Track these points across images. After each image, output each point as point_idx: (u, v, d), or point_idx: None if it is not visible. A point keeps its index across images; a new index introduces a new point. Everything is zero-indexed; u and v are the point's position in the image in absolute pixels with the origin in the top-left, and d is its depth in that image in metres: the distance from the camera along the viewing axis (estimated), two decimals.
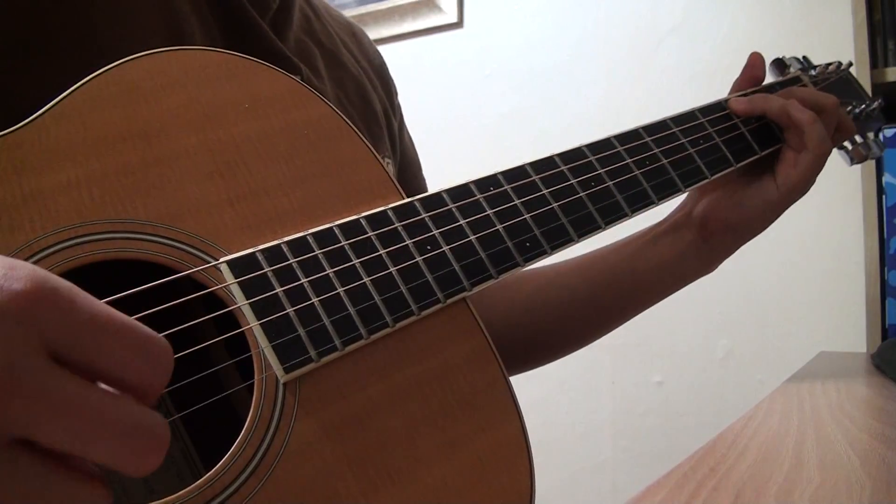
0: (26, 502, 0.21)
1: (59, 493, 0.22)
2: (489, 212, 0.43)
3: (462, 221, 0.42)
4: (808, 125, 0.56)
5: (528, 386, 1.49)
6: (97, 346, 0.22)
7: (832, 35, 1.26)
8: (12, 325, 0.21)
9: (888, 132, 1.03)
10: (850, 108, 0.66)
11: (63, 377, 0.22)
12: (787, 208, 0.59)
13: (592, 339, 0.66)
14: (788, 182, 0.57)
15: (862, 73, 1.07)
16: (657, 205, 0.50)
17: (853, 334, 1.18)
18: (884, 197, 1.05)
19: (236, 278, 0.35)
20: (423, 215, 0.41)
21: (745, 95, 0.61)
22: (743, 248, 1.47)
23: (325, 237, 0.37)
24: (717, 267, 0.62)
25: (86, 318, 0.22)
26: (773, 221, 0.60)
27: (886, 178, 1.04)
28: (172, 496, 0.30)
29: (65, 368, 0.22)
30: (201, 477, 0.31)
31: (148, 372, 0.23)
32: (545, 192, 0.46)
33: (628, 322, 1.49)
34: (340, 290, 0.36)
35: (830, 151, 0.59)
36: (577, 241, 0.45)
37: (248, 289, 0.34)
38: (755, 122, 0.60)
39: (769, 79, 0.66)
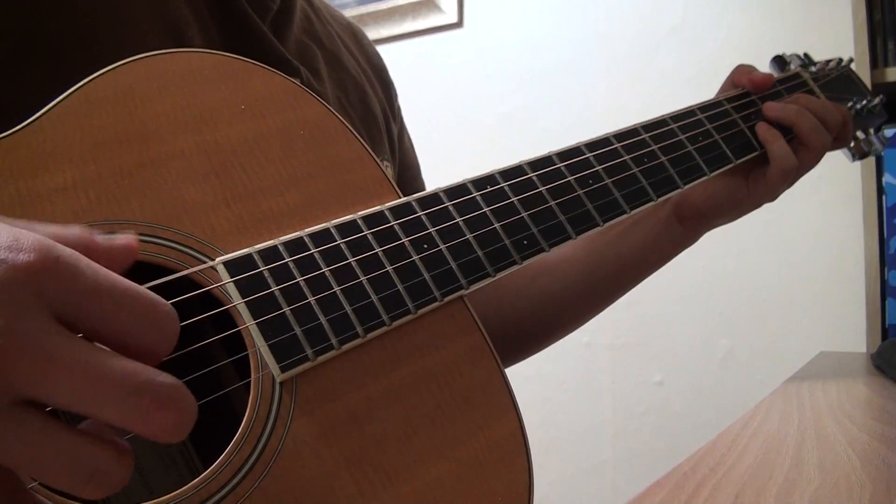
0: (35, 461, 0.22)
1: (66, 451, 0.22)
2: (486, 210, 0.43)
3: (459, 220, 0.42)
4: (769, 143, 0.58)
5: (528, 386, 1.49)
6: (101, 312, 0.23)
7: (832, 35, 1.26)
8: (18, 292, 0.22)
9: (888, 132, 1.02)
10: (850, 104, 0.66)
11: (68, 338, 0.22)
12: (755, 209, 0.62)
13: (583, 322, 0.68)
14: (756, 191, 0.60)
15: (862, 73, 1.07)
16: (656, 201, 0.50)
17: (853, 334, 1.18)
18: (884, 197, 1.05)
19: (232, 278, 0.35)
20: (420, 213, 0.41)
21: (739, 93, 0.61)
22: (743, 247, 1.47)
23: (321, 236, 0.38)
24: (695, 241, 0.64)
25: (90, 285, 0.23)
26: (742, 216, 0.62)
27: (886, 178, 1.04)
28: (168, 495, 0.30)
29: (70, 332, 0.23)
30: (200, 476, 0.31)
31: (152, 336, 0.24)
32: (542, 189, 0.45)
33: (628, 322, 1.49)
34: (337, 289, 0.36)
35: (802, 167, 0.60)
36: (575, 239, 0.45)
37: (244, 288, 0.35)
38: (754, 119, 0.60)
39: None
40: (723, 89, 0.64)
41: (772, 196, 0.60)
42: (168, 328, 0.24)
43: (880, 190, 1.06)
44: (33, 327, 0.22)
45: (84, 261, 0.23)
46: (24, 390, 0.22)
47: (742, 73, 0.62)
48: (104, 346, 0.24)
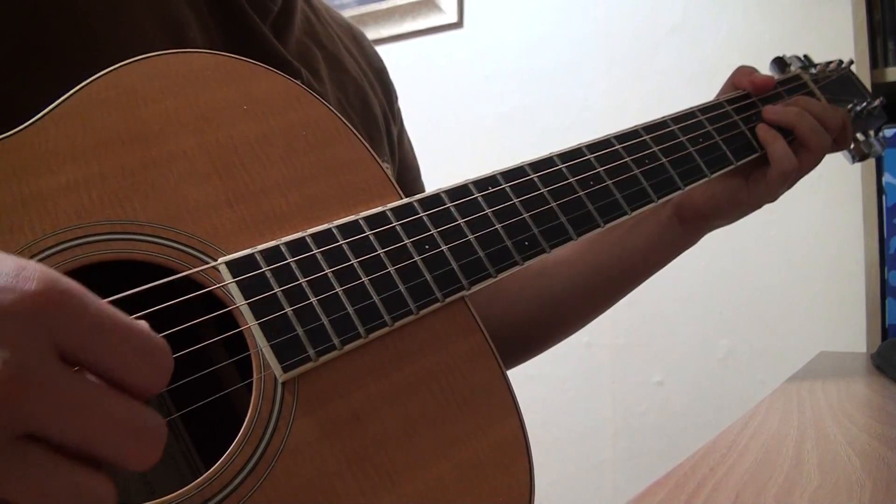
0: (36, 494, 0.22)
1: (68, 485, 0.22)
2: (487, 211, 0.43)
3: (460, 221, 0.42)
4: (769, 145, 0.58)
5: (529, 386, 1.49)
6: (103, 348, 0.23)
7: (832, 35, 1.26)
8: (23, 325, 0.21)
9: (888, 132, 1.02)
10: (850, 106, 0.66)
11: (72, 376, 0.22)
12: (755, 210, 0.62)
13: (584, 324, 0.68)
14: (756, 191, 0.60)
15: (862, 73, 1.07)
16: (656, 203, 0.50)
17: (853, 334, 1.18)
18: (884, 197, 1.05)
19: (235, 278, 0.35)
20: (421, 214, 0.41)
21: (740, 95, 0.62)
22: (743, 247, 1.47)
23: (323, 237, 0.38)
24: (695, 243, 0.65)
25: (93, 320, 0.23)
26: (743, 216, 0.63)
27: (886, 178, 1.04)
28: (171, 495, 0.30)
29: (72, 369, 0.23)
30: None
31: (150, 374, 0.24)
32: (543, 190, 0.46)
33: (628, 322, 1.49)
34: (339, 289, 0.37)
35: (802, 168, 0.60)
36: (576, 240, 0.45)
37: (246, 289, 0.35)
38: (755, 120, 0.60)
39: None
40: (723, 91, 0.64)
41: (772, 197, 0.61)
42: (165, 365, 0.25)
43: (880, 190, 1.06)
44: (37, 361, 0.22)
45: (89, 294, 0.23)
46: (30, 426, 0.22)
47: (743, 75, 0.63)
48: (102, 381, 0.24)
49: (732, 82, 0.63)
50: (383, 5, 1.66)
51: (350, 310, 0.36)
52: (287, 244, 0.37)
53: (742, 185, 0.60)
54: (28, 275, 0.22)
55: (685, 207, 0.61)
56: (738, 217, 0.63)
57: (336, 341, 0.35)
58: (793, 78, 0.66)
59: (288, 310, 0.35)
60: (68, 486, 0.22)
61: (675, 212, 0.62)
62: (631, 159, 0.51)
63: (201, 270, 0.34)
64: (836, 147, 0.63)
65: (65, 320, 0.22)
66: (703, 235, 0.64)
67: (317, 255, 0.37)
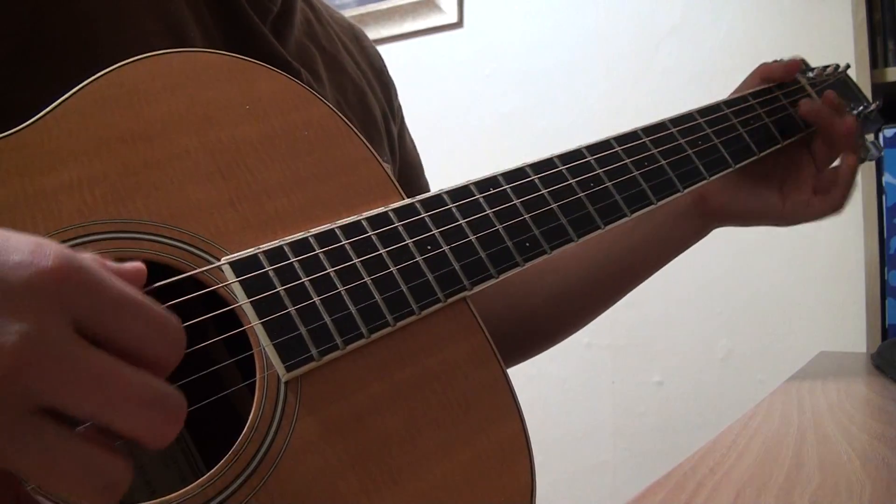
0: (51, 470, 0.22)
1: (79, 460, 0.23)
2: (489, 212, 0.43)
3: (462, 221, 0.42)
4: (843, 175, 0.59)
5: (529, 386, 1.49)
6: (119, 322, 0.24)
7: (832, 35, 1.26)
8: (40, 299, 0.22)
9: (888, 132, 1.03)
10: (847, 110, 0.66)
11: (89, 350, 0.23)
12: (787, 226, 0.63)
13: (592, 318, 0.68)
14: (795, 216, 0.61)
15: (862, 73, 1.07)
16: (656, 205, 0.51)
17: (853, 334, 1.18)
18: (884, 197, 1.05)
19: (238, 278, 0.35)
20: (423, 215, 0.41)
21: (740, 94, 0.62)
22: (743, 247, 1.46)
23: (325, 237, 0.38)
24: (703, 237, 0.64)
25: (109, 295, 0.24)
26: (761, 225, 0.63)
27: (886, 178, 1.04)
28: (173, 494, 0.30)
29: (87, 341, 0.23)
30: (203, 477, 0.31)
31: (165, 347, 0.25)
32: (544, 192, 0.46)
33: (628, 322, 1.49)
34: (341, 289, 0.37)
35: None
36: (577, 241, 0.46)
37: (249, 288, 0.35)
38: (753, 122, 0.60)
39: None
40: (744, 86, 0.64)
41: (819, 214, 0.61)
42: (179, 341, 0.25)
43: (880, 190, 1.06)
44: (56, 334, 0.22)
45: (104, 272, 0.24)
46: (47, 399, 0.22)
47: (771, 68, 0.64)
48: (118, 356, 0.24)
49: (760, 76, 0.64)
50: (383, 5, 1.66)
51: (352, 309, 0.36)
52: (290, 244, 0.37)
53: (778, 199, 0.61)
54: (44, 252, 0.23)
55: (710, 201, 0.61)
56: (756, 224, 0.63)
57: (339, 341, 0.35)
58: (790, 81, 0.66)
59: (291, 309, 0.35)
60: (80, 461, 0.22)
61: (697, 203, 0.62)
62: (630, 161, 0.51)
63: (205, 270, 0.34)
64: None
65: (81, 296, 0.23)
66: (710, 231, 0.64)
67: (319, 254, 0.37)
